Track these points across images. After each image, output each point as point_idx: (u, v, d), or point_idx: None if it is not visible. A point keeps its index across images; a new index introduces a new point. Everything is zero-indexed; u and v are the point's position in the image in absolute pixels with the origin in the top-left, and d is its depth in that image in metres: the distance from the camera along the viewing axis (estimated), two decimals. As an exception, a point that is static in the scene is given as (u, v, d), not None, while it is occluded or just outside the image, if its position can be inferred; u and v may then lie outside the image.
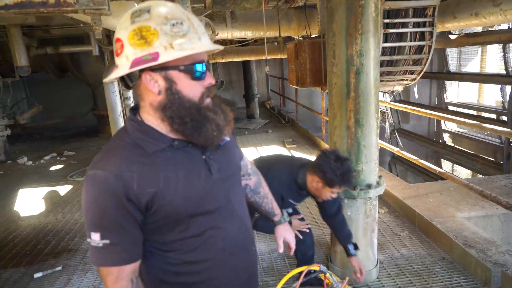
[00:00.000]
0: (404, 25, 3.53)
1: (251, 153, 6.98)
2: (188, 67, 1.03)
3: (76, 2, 2.01)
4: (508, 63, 8.05)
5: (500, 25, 8.02)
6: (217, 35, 5.22)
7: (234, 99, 14.52)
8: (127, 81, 1.04)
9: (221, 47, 1.09)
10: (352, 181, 2.15)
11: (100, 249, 1.02)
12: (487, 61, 11.50)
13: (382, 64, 3.61)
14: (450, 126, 11.21)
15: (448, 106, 10.93)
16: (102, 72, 6.39)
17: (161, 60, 0.97)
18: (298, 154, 6.73)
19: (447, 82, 11.01)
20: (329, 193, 2.16)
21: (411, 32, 3.58)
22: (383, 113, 11.27)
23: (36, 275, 3.16)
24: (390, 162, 11.53)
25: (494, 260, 2.73)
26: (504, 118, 8.84)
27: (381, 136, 10.89)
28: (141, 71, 1.01)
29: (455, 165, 10.81)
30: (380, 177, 2.65)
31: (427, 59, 3.70)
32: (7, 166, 7.11)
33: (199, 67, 1.04)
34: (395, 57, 3.63)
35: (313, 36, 5.27)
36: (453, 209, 3.63)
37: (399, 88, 4.07)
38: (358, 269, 2.29)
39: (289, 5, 4.88)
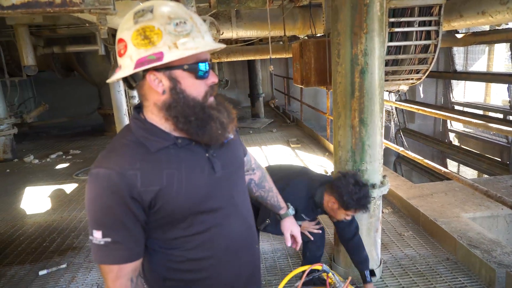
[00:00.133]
0: (409, 24, 3.50)
1: (256, 152, 6.98)
2: (192, 66, 1.03)
3: (82, 2, 2.03)
4: (515, 62, 7.97)
5: (508, 24, 7.94)
6: (222, 34, 5.23)
7: (239, 98, 14.52)
8: (130, 81, 1.04)
9: (223, 46, 1.10)
10: (368, 207, 2.15)
11: (102, 247, 1.03)
12: (495, 60, 11.39)
13: (387, 63, 3.59)
14: (456, 125, 11.13)
15: (454, 106, 10.85)
16: (108, 71, 6.42)
17: (166, 59, 0.97)
18: (302, 153, 6.72)
19: (454, 82, 10.93)
20: (343, 215, 2.19)
21: (416, 31, 3.55)
22: (388, 112, 11.22)
23: (41, 273, 3.18)
24: (395, 162, 11.48)
25: (499, 261, 2.71)
26: (511, 117, 8.77)
27: (386, 135, 10.86)
28: (145, 71, 1.01)
29: (461, 165, 10.74)
30: (384, 176, 2.64)
31: (433, 58, 3.68)
32: (14, 164, 7.17)
33: (203, 66, 1.05)
34: (400, 56, 3.61)
35: (318, 35, 5.26)
36: (458, 209, 3.61)
37: (404, 87, 4.04)
38: None
39: (294, 4, 4.87)
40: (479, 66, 10.89)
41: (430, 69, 3.78)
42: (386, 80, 3.65)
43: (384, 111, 2.57)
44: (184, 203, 1.08)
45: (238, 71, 14.37)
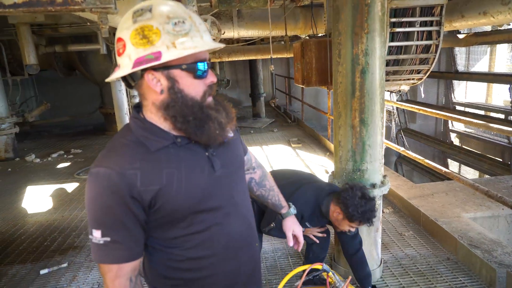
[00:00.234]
0: (411, 24, 3.50)
1: (257, 152, 6.98)
2: (190, 65, 1.03)
3: (83, 1, 2.03)
4: (517, 62, 7.96)
5: (510, 24, 7.93)
6: (223, 34, 5.24)
7: (240, 98, 14.53)
8: (129, 81, 1.04)
9: (222, 45, 1.09)
10: (373, 221, 2.17)
11: (101, 246, 1.03)
12: (496, 60, 11.38)
13: (388, 63, 3.59)
14: (457, 126, 11.12)
15: (456, 106, 10.84)
16: (109, 70, 6.41)
17: (164, 59, 0.97)
18: (303, 153, 6.72)
19: (455, 82, 10.92)
20: (347, 227, 2.22)
21: (418, 31, 3.55)
22: (389, 112, 11.21)
23: (42, 272, 3.19)
24: (396, 162, 11.48)
25: (499, 261, 2.71)
26: (513, 118, 8.76)
27: (388, 135, 10.85)
28: (144, 70, 1.01)
29: (462, 166, 10.73)
30: (384, 176, 2.64)
31: (434, 59, 3.67)
32: (15, 163, 7.18)
33: (201, 66, 1.05)
34: (401, 56, 3.60)
35: (320, 35, 5.26)
36: (458, 209, 3.61)
37: (405, 87, 4.04)
38: None
39: (295, 3, 4.87)
40: (480, 66, 10.88)
41: (431, 69, 3.77)
42: (387, 80, 3.65)
43: (385, 111, 2.57)
44: (184, 202, 1.08)
45: (240, 71, 14.38)
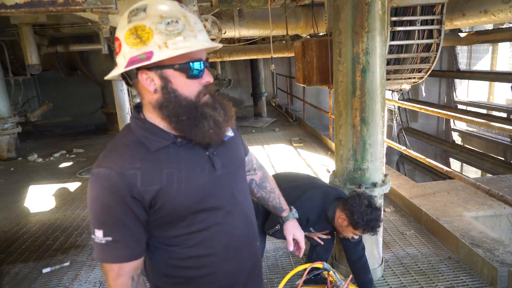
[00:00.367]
0: (411, 23, 3.50)
1: (258, 151, 6.99)
2: (183, 65, 1.03)
3: (84, 1, 2.04)
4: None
5: (511, 23, 7.91)
6: (224, 33, 5.24)
7: (242, 98, 14.54)
8: (127, 79, 1.05)
9: (217, 45, 1.09)
10: (377, 230, 2.17)
11: (103, 246, 1.04)
12: (498, 59, 11.35)
13: (389, 62, 3.59)
14: (459, 125, 11.11)
15: (458, 105, 10.82)
16: (110, 70, 6.44)
17: (155, 59, 0.97)
18: (305, 152, 6.73)
19: (457, 81, 10.90)
20: (351, 234, 2.22)
21: (418, 30, 3.55)
22: (391, 111, 11.20)
23: (45, 270, 3.21)
24: (398, 161, 11.47)
25: (501, 260, 2.70)
26: (515, 117, 8.74)
27: (389, 135, 10.84)
28: (138, 69, 1.02)
29: (464, 164, 10.71)
30: (385, 175, 2.64)
31: (435, 57, 3.67)
32: (18, 163, 7.21)
33: (197, 65, 1.04)
34: (402, 55, 3.60)
35: (321, 34, 5.26)
36: (460, 208, 3.61)
37: (406, 86, 4.04)
38: None
39: (296, 3, 4.87)
40: (482, 65, 10.86)
41: (432, 68, 3.77)
42: (388, 79, 3.65)
43: (385, 110, 2.57)
44: (184, 202, 1.08)
45: (241, 70, 14.38)
